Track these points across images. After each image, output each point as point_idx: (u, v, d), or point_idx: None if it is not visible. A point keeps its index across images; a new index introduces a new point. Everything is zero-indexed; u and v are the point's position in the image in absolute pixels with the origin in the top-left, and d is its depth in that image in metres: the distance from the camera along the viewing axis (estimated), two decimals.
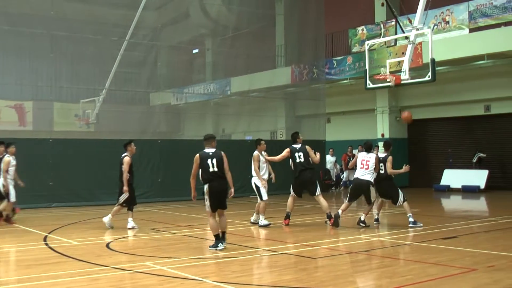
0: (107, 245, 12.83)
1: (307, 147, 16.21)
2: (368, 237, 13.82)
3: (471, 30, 25.40)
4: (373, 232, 14.50)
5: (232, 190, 12.30)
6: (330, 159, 30.89)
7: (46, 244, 13.20)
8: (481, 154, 28.06)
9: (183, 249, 12.51)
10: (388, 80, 19.59)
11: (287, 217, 16.17)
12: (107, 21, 34.33)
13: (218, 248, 11.87)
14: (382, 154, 15.72)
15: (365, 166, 15.39)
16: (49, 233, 14.99)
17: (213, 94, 37.94)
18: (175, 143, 28.55)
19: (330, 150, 30.99)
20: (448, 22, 25.94)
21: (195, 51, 42.37)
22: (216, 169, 12.04)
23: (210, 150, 12.28)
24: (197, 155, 12.23)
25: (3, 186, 16.91)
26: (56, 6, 28.02)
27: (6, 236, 14.86)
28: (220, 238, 12.02)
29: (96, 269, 10.21)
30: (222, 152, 12.25)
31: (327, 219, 15.75)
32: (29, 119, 36.91)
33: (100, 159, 23.70)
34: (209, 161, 12.10)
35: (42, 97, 33.87)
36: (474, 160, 28.26)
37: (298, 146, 16.23)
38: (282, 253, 11.77)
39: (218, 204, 12.12)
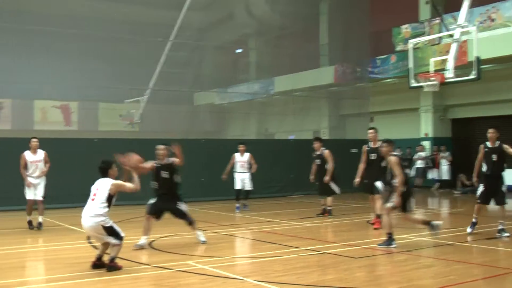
0: (150, 244, 12.94)
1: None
2: (410, 236, 13.72)
3: None
4: (416, 232, 14.40)
5: None
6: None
7: (90, 242, 13.37)
8: None
9: (225, 248, 12.58)
10: (432, 79, 19.47)
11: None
12: (151, 21, 34.68)
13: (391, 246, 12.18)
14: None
15: None
16: None
17: (256, 94, 38.02)
18: (220, 142, 28.66)
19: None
20: (493, 20, 25.58)
21: (239, 50, 42.56)
22: None
23: None
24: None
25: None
26: (100, 8, 28.39)
27: (50, 235, 15.07)
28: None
29: (138, 268, 10.33)
30: None
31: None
32: (75, 119, 37.45)
33: (145, 159, 23.87)
34: None
35: (87, 97, 34.38)
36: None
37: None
38: (324, 252, 11.77)
39: None
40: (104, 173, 10.60)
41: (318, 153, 18.24)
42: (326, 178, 17.68)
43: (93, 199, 10.38)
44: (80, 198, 21.30)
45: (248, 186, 20.87)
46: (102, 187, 10.39)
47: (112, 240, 10.10)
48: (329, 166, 17.83)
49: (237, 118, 42.15)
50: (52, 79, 33.79)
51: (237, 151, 20.90)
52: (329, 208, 17.99)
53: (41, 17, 30.57)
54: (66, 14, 31.60)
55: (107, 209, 10.22)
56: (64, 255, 12.03)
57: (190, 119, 36.91)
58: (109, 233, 10.09)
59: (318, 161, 18.21)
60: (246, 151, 20.99)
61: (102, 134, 28.00)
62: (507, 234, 13.34)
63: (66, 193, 21.87)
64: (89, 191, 10.39)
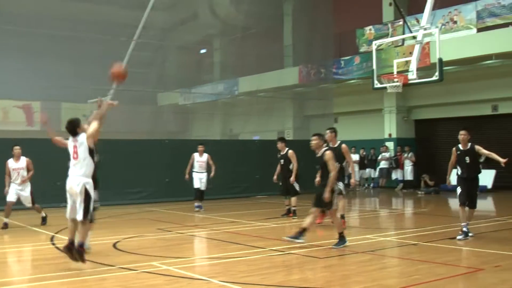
0: (115, 245, 12.86)
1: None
2: (375, 237, 13.81)
3: (479, 30, 25.34)
4: (380, 232, 14.48)
5: None
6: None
7: (53, 243, 13.24)
8: None
9: (190, 249, 12.55)
10: (396, 80, 19.61)
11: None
12: (115, 21, 34.38)
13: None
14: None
15: None
16: (56, 233, 15.04)
17: (221, 94, 37.98)
18: (183, 143, 28.55)
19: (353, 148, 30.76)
20: (456, 22, 25.90)
21: (203, 51, 42.47)
22: None
23: None
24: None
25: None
26: (64, 7, 28.11)
27: (14, 236, 14.90)
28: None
29: (103, 269, 10.23)
30: None
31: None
32: (37, 119, 37.00)
33: (108, 159, 23.73)
34: None
35: (50, 97, 33.99)
36: (482, 160, 28.13)
37: None
38: (289, 253, 11.78)
39: None
40: (74, 133, 10.65)
41: (282, 153, 18.29)
42: (292, 178, 17.72)
43: (75, 156, 10.57)
44: (42, 199, 21.15)
45: (203, 186, 20.97)
46: (79, 140, 10.56)
47: (80, 215, 10.12)
48: (294, 166, 17.89)
49: (201, 119, 42.05)
50: (14, 78, 33.35)
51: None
52: (293, 208, 18.02)
53: (2, 16, 30.15)
54: (28, 12, 31.23)
55: (92, 166, 10.66)
56: (28, 257, 11.89)
57: (154, 120, 36.71)
58: (85, 201, 10.23)
59: (282, 161, 18.26)
60: (207, 151, 21.15)
61: (65, 134, 27.59)
62: (471, 234, 13.45)
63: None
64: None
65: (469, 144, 13.94)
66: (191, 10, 37.98)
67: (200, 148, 21.08)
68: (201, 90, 39.13)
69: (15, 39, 32.05)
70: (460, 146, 13.95)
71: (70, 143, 10.59)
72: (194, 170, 21.00)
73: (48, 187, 22.25)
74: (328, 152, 12.23)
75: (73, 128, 10.58)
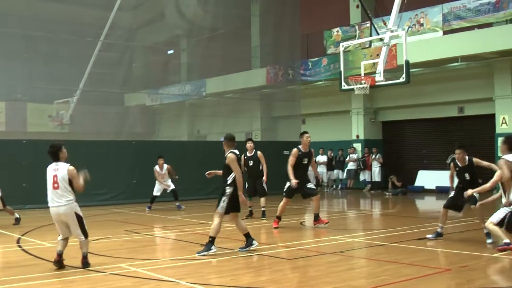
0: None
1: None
2: (343, 237, 13.85)
3: (445, 32, 25.55)
4: (348, 233, 14.54)
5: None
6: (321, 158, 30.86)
7: (19, 246, 13.09)
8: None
9: (158, 251, 12.49)
10: (363, 82, 19.70)
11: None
12: (82, 21, 34.13)
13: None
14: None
15: None
16: (22, 235, 14.88)
17: (188, 95, 37.88)
18: (150, 144, 28.43)
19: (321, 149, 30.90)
20: (422, 24, 26.09)
21: (170, 52, 42.30)
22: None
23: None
24: (235, 156, 12.02)
25: None
26: (30, 6, 27.81)
27: None
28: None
29: (70, 271, 10.14)
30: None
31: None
32: (2, 119, 36.54)
33: (74, 161, 23.45)
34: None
35: (16, 97, 33.63)
36: (448, 161, 28.34)
37: None
38: (258, 254, 11.76)
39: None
40: (55, 157, 10.59)
41: (250, 154, 18.27)
42: (265, 178, 17.74)
43: (56, 186, 10.37)
44: (7, 200, 20.92)
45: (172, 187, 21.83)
46: (60, 171, 10.43)
47: (81, 236, 10.40)
48: (264, 167, 17.95)
49: (168, 120, 41.88)
50: None
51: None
52: (263, 209, 18.01)
53: None
54: None
55: (73, 194, 10.43)
56: None
57: (121, 121, 36.45)
58: (80, 223, 10.39)
59: (251, 162, 18.23)
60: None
61: (31, 135, 27.41)
62: (441, 238, 13.54)
63: None
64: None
65: (467, 159, 13.54)
66: (158, 10, 37.82)
67: (160, 161, 21.98)
68: (168, 91, 38.97)
69: None
70: (458, 162, 13.65)
71: (50, 170, 10.54)
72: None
73: (13, 188, 22.04)
74: (230, 155, 12.01)
75: (55, 152, 10.61)
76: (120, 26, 33.53)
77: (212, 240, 11.64)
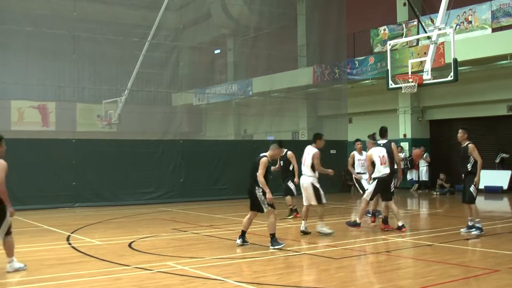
0: (130, 245, 12.89)
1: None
2: (390, 237, 13.78)
3: (493, 30, 25.20)
4: (395, 233, 14.45)
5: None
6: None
7: (69, 243, 13.30)
8: (504, 155, 27.85)
9: (205, 249, 12.55)
10: (410, 80, 19.55)
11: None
12: (128, 22, 34.51)
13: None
14: None
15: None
16: (72, 233, 15.10)
17: (234, 95, 37.99)
18: (197, 143, 28.62)
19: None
20: (470, 22, 25.78)
21: (217, 51, 42.45)
22: None
23: None
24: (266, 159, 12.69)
25: None
26: (78, 7, 28.16)
27: (30, 236, 14.95)
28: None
29: (118, 269, 10.27)
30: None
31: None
32: (52, 119, 37.14)
33: (122, 160, 23.87)
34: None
35: (65, 97, 34.15)
36: (497, 161, 28.07)
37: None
38: (304, 253, 11.78)
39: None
40: None
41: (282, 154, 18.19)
42: (296, 179, 17.64)
43: None
44: (57, 199, 21.35)
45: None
46: None
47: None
48: (295, 167, 17.89)
49: (215, 119, 42.05)
50: (29, 79, 33.49)
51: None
52: (289, 207, 18.20)
53: (19, 16, 30.30)
54: (42, 13, 31.29)
55: None
56: (43, 256, 11.93)
57: (168, 120, 36.70)
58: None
59: (281, 162, 18.30)
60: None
61: (80, 134, 27.76)
62: (475, 231, 13.55)
63: (44, 194, 21.90)
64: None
65: (466, 143, 14.11)
66: (204, 10, 38.03)
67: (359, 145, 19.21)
68: (215, 91, 39.16)
69: (31, 39, 32.21)
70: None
71: None
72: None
73: (63, 187, 22.43)
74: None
75: None
76: (167, 26, 33.75)
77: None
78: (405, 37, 27.64)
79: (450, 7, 19.99)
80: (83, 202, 22.68)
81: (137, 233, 15.05)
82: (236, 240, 12.72)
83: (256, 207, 12.65)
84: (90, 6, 31.39)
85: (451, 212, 20.78)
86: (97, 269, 10.28)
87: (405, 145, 30.84)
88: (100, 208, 21.95)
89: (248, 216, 12.83)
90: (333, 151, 27.89)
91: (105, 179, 23.38)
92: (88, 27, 30.54)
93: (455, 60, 18.49)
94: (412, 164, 29.76)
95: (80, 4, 29.31)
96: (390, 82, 20.51)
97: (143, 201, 23.49)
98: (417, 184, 29.79)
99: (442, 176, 28.03)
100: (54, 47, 33.07)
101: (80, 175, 22.87)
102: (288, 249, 12.13)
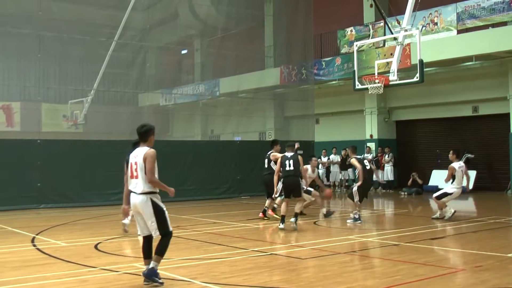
0: (96, 246, 12.79)
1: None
2: (356, 237, 13.84)
3: (459, 32, 25.44)
4: (362, 233, 14.51)
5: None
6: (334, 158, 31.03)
7: (34, 245, 13.15)
8: (469, 155, 28.06)
9: (172, 250, 12.45)
10: (377, 81, 19.66)
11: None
12: (95, 21, 34.22)
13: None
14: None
15: None
16: (37, 235, 14.94)
17: (201, 95, 37.89)
18: (164, 144, 28.45)
19: (334, 148, 30.96)
20: (436, 24, 26.01)
21: (184, 52, 42.31)
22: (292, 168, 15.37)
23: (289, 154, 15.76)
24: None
25: None
26: (43, 6, 27.88)
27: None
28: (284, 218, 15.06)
29: (84, 271, 10.19)
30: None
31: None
32: (17, 119, 36.72)
33: (89, 160, 23.67)
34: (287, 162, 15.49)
35: (30, 97, 33.77)
36: (463, 161, 28.31)
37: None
38: (271, 253, 11.77)
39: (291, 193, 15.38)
40: None
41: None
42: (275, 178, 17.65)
43: None
44: (21, 200, 21.10)
45: None
46: None
47: None
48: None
49: (181, 120, 41.92)
50: None
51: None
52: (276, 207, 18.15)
53: None
54: (7, 12, 30.93)
55: None
56: (8, 258, 11.78)
57: (134, 120, 36.45)
58: None
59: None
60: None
61: (45, 135, 27.47)
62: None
63: (8, 195, 21.66)
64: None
65: None
66: (171, 11, 37.86)
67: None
68: (182, 91, 39.01)
69: None
70: None
71: None
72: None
73: (28, 188, 22.19)
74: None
75: None
76: (134, 26, 33.55)
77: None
78: (371, 38, 27.81)
79: (416, 8, 20.16)
80: (48, 203, 22.44)
81: (104, 234, 14.94)
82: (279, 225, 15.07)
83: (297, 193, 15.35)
84: (56, 5, 31.08)
85: (417, 212, 20.94)
86: (63, 271, 10.18)
87: (372, 145, 31.02)
88: (66, 210, 21.75)
89: (285, 203, 15.35)
90: (300, 152, 27.92)
91: (71, 180, 23.14)
92: (54, 26, 30.21)
93: (421, 61, 18.65)
94: (378, 164, 29.92)
95: (46, 3, 29.00)
96: (357, 83, 20.63)
97: (110, 202, 23.27)
98: (380, 185, 29.85)
99: (414, 173, 28.26)
100: (19, 47, 32.71)
101: (46, 176, 22.63)
102: (256, 249, 12.12)
